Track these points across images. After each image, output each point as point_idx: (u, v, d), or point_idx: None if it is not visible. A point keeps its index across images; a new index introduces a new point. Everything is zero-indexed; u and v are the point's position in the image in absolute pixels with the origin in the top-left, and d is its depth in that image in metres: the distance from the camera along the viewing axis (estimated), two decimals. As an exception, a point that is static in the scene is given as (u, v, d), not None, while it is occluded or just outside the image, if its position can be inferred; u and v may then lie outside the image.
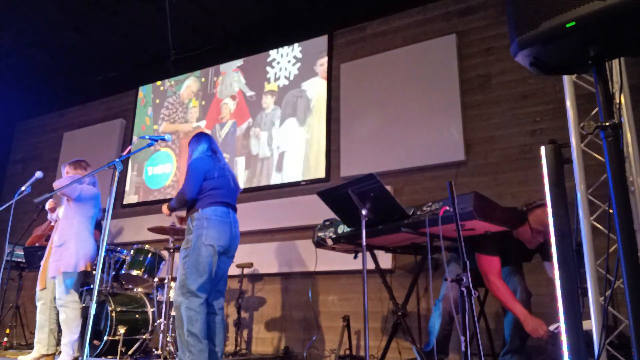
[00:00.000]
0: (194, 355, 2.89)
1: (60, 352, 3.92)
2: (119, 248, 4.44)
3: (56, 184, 3.58)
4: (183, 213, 3.39)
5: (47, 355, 3.57)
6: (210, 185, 3.16)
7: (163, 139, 2.72)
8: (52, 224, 3.96)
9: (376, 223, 2.79)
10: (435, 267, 3.88)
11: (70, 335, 3.45)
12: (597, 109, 1.70)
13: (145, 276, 4.18)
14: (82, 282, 3.73)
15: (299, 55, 5.23)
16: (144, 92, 6.38)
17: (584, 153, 2.55)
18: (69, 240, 3.56)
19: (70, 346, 3.45)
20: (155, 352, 3.93)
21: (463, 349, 1.78)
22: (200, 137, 3.41)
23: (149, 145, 2.71)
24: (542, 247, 2.89)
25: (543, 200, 2.66)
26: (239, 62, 5.65)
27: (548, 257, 2.83)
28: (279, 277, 4.70)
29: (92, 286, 4.18)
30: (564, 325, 2.08)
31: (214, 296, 3.20)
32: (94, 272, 3.70)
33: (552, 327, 2.56)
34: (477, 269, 2.85)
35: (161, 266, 4.35)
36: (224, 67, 5.77)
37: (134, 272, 4.15)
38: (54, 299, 3.57)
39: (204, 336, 2.96)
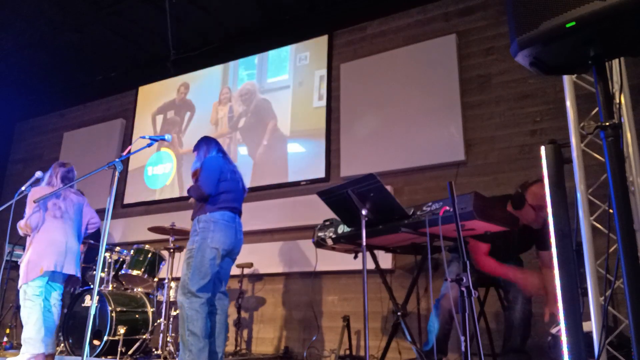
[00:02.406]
0: (194, 355, 2.90)
1: (59, 351, 3.93)
2: (119, 248, 4.44)
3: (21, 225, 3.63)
4: None
5: (48, 355, 3.57)
6: (222, 187, 3.19)
7: (163, 139, 2.73)
8: None
9: (376, 223, 2.79)
10: (435, 267, 3.88)
11: (27, 332, 3.46)
12: (597, 109, 1.70)
13: (145, 276, 4.18)
14: (57, 280, 3.67)
15: (299, 55, 5.23)
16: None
17: (584, 153, 2.55)
18: (27, 250, 3.58)
19: (25, 342, 3.45)
20: (155, 352, 3.93)
21: (463, 349, 1.78)
22: (209, 140, 3.47)
23: (149, 145, 2.72)
24: (539, 234, 2.90)
25: (537, 177, 2.69)
26: (237, 62, 5.65)
27: (543, 246, 2.85)
28: (279, 277, 4.69)
29: (91, 286, 4.18)
30: (564, 326, 2.08)
31: (218, 297, 3.22)
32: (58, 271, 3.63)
33: (553, 330, 2.57)
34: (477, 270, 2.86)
35: (161, 266, 4.35)
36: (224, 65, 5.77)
37: (134, 272, 4.14)
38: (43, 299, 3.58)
39: (205, 336, 2.97)
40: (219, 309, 3.20)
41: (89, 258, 4.57)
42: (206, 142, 3.44)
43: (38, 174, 3.75)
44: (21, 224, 3.65)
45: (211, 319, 3.15)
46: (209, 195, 3.16)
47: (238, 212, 3.29)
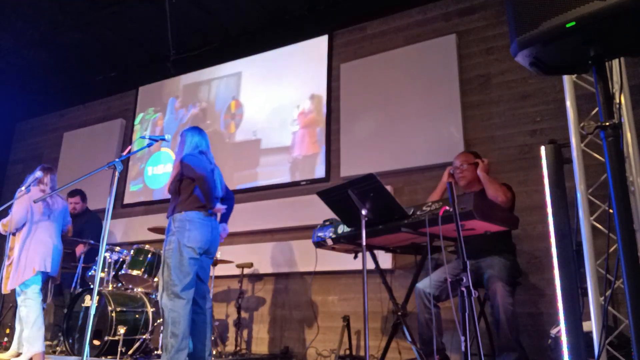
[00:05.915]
0: (170, 355, 2.91)
1: (60, 351, 3.93)
2: (119, 248, 4.44)
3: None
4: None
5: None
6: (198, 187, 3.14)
7: (163, 139, 2.73)
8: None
9: (376, 223, 2.79)
10: (435, 267, 3.87)
11: (27, 331, 3.49)
12: (597, 109, 1.70)
13: (145, 276, 4.17)
14: (44, 281, 3.70)
15: (299, 55, 5.23)
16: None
17: (584, 153, 2.55)
18: (18, 251, 3.59)
19: (26, 341, 3.48)
20: (156, 352, 3.93)
21: (463, 349, 1.78)
22: (195, 130, 3.38)
23: (149, 146, 2.72)
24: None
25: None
26: (240, 63, 5.65)
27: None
28: (279, 277, 4.69)
29: (91, 286, 4.17)
30: (564, 326, 2.08)
31: (201, 296, 3.21)
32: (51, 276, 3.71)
33: (553, 331, 2.56)
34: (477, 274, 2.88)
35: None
36: (226, 66, 5.77)
37: (134, 272, 4.14)
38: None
39: (186, 337, 2.98)
40: (202, 309, 3.20)
41: (89, 258, 4.57)
42: (192, 132, 3.34)
43: (38, 174, 3.77)
44: (4, 221, 3.69)
45: (197, 319, 3.16)
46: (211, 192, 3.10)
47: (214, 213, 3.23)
